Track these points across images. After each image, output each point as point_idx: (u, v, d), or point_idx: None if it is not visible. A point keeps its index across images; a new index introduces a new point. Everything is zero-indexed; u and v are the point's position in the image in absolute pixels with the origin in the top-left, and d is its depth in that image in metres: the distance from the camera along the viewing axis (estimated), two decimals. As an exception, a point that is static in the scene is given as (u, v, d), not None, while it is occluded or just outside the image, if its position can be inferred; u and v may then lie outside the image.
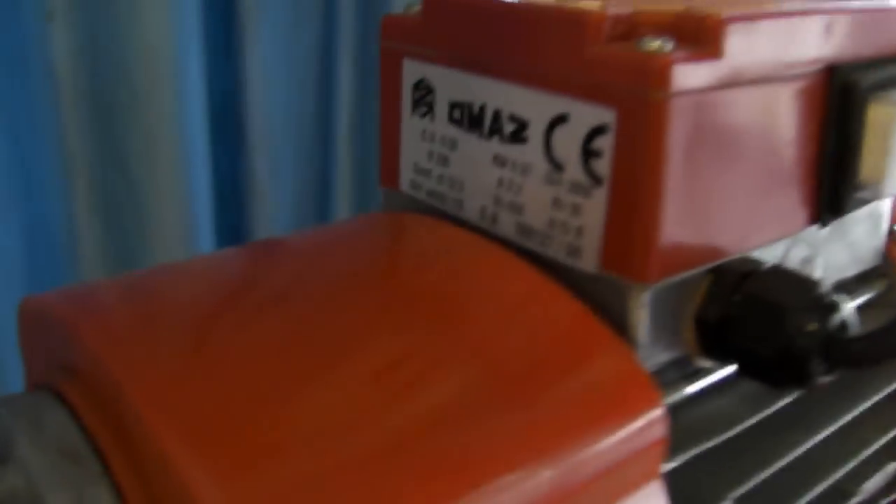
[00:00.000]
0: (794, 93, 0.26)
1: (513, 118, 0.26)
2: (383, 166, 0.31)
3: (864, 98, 0.27)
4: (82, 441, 0.20)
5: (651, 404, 0.22)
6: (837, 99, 0.26)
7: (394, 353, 0.22)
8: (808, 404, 0.28)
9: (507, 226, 0.27)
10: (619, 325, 0.24)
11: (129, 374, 0.20)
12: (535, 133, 0.25)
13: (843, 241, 0.31)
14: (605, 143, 0.23)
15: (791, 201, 0.27)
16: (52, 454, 0.19)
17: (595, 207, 0.24)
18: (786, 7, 0.25)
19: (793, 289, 0.24)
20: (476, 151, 0.27)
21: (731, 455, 0.26)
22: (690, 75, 0.22)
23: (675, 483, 0.23)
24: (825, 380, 0.24)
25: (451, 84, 0.28)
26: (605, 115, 0.23)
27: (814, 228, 0.28)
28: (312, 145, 0.77)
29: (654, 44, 0.22)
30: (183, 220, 0.66)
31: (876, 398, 0.31)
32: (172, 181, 0.64)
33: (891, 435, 0.31)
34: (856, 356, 0.23)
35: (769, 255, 0.27)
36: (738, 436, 0.26)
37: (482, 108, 0.27)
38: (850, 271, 0.32)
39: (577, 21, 0.24)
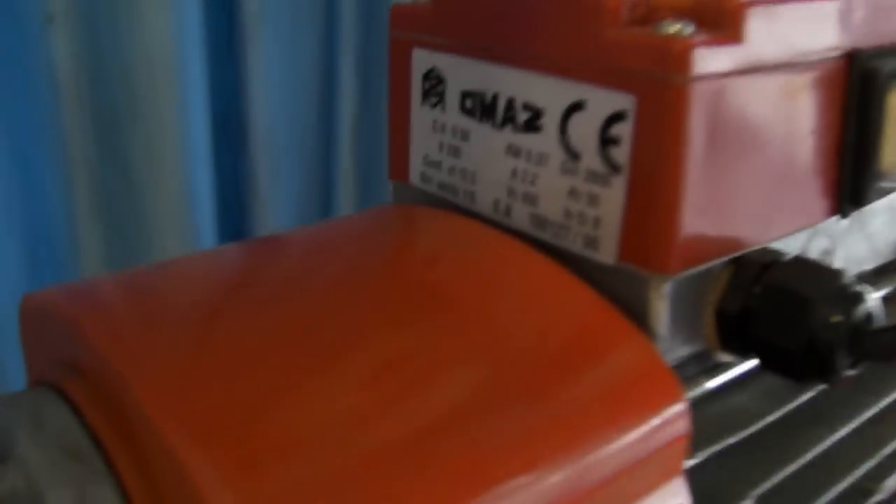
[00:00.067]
0: (813, 80, 0.25)
1: (527, 106, 0.25)
2: (392, 159, 0.30)
3: (885, 85, 0.26)
4: (85, 438, 0.19)
5: (674, 399, 0.22)
6: (857, 86, 0.26)
7: (406, 348, 0.22)
8: (830, 400, 0.28)
9: (521, 218, 0.26)
10: (638, 319, 0.23)
11: (134, 370, 0.19)
12: (551, 121, 0.24)
13: (862, 233, 0.31)
14: (623, 130, 0.23)
15: (811, 191, 0.26)
16: (53, 451, 0.19)
17: (613, 197, 0.23)
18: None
19: (816, 279, 0.24)
20: (489, 142, 0.27)
21: (752, 452, 0.25)
22: (711, 59, 0.22)
23: (696, 480, 0.22)
24: (850, 373, 0.23)
25: (463, 73, 0.27)
26: (624, 101, 0.22)
27: (834, 220, 0.28)
28: (315, 147, 0.77)
29: (674, 27, 0.22)
30: (185, 223, 0.65)
31: (897, 395, 0.30)
32: (174, 183, 0.64)
33: (913, 432, 0.31)
34: (884, 348, 0.23)
35: (790, 246, 0.26)
36: (759, 432, 0.25)
37: (495, 97, 0.26)
38: (869, 264, 0.32)
39: (594, 4, 0.23)
